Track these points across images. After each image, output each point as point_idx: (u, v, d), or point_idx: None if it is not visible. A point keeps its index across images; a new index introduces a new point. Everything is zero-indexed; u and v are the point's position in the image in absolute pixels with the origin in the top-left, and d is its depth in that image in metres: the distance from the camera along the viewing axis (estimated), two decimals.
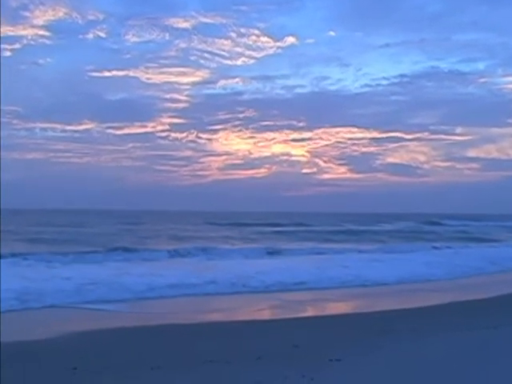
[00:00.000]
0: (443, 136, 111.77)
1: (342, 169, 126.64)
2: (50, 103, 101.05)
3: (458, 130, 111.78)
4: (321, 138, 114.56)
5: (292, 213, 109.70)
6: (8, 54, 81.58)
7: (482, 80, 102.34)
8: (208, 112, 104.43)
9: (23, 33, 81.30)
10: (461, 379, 6.64)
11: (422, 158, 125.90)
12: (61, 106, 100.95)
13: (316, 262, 22.75)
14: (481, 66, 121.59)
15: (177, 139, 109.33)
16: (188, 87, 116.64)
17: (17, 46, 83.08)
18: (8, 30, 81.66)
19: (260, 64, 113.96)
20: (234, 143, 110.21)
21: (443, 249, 32.40)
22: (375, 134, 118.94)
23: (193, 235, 41.51)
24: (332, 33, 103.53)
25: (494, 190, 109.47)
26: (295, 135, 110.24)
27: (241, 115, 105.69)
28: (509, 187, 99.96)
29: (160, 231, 45.88)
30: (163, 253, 25.82)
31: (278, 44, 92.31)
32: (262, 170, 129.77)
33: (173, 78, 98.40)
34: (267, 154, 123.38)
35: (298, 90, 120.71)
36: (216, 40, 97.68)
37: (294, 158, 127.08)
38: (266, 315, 12.84)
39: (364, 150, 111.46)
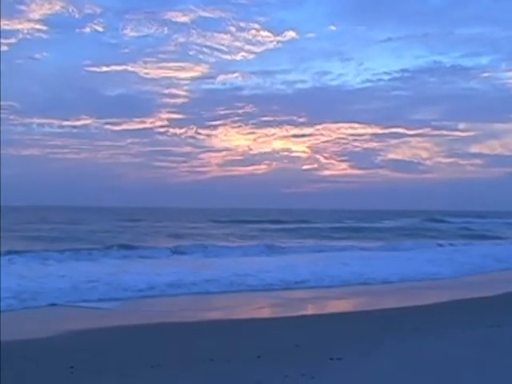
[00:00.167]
0: (446, 132, 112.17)
1: (343, 165, 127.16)
2: (46, 98, 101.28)
3: (461, 125, 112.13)
4: (322, 134, 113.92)
5: (292, 209, 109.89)
6: (4, 48, 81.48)
7: (486, 75, 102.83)
8: (207, 107, 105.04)
9: (19, 27, 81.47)
10: (463, 378, 6.59)
11: (424, 154, 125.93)
12: (58, 101, 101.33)
13: (317, 260, 22.68)
14: (484, 60, 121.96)
15: (176, 135, 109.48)
16: (187, 82, 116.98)
17: (13, 40, 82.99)
18: (4, 24, 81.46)
19: (260, 59, 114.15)
20: (233, 139, 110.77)
21: (447, 246, 32.25)
22: (377, 130, 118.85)
23: (192, 232, 41.48)
24: (333, 27, 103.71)
25: (498, 187, 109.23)
26: (296, 131, 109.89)
27: (240, 111, 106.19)
28: None
29: (159, 228, 45.80)
30: (162, 250, 25.66)
31: (278, 38, 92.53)
32: (262, 167, 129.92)
33: (171, 73, 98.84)
34: (267, 149, 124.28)
35: (299, 85, 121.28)
36: (215, 34, 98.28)
37: (294, 154, 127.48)
38: (266, 313, 12.74)
39: (365, 145, 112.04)
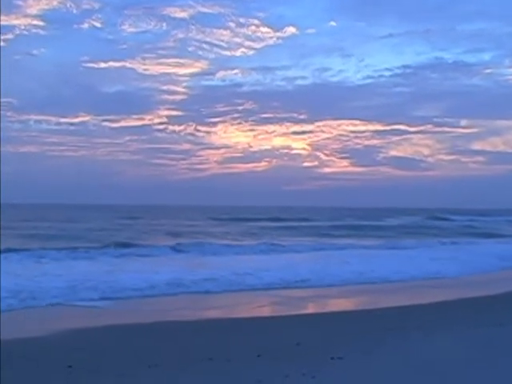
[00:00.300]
0: (448, 129, 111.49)
1: (344, 162, 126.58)
2: (44, 95, 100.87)
3: (463, 122, 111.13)
4: (322, 131, 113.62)
5: (293, 207, 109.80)
6: (1, 44, 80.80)
7: (488, 71, 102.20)
8: (206, 104, 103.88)
9: (16, 22, 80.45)
10: (466, 377, 6.56)
11: (426, 151, 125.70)
12: (55, 97, 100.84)
13: (318, 259, 22.66)
14: (487, 56, 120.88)
15: (174, 132, 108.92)
16: (186, 79, 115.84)
17: (10, 36, 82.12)
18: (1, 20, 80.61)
19: (260, 55, 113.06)
20: (233, 136, 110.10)
21: (449, 244, 32.19)
22: (378, 127, 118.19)
23: (191, 230, 41.37)
24: (333, 23, 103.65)
25: (501, 184, 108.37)
26: (296, 128, 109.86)
27: (240, 107, 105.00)
28: None
29: (157, 226, 45.66)
30: (161, 248, 25.59)
31: (278, 34, 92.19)
32: (262, 164, 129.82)
33: (170, 70, 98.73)
34: (267, 147, 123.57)
35: (299, 82, 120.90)
36: (214, 30, 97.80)
37: (294, 152, 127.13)
38: (266, 312, 12.65)
39: (366, 143, 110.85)
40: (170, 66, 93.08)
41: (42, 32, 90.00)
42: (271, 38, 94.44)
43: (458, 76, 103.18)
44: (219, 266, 18.87)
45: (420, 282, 17.12)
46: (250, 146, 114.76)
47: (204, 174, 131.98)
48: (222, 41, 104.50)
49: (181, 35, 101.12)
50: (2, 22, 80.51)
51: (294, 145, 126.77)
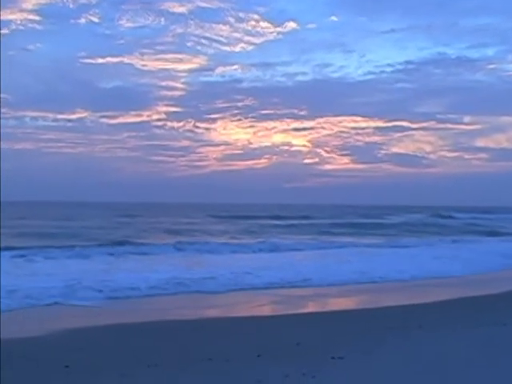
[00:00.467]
0: (450, 125, 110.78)
1: (345, 159, 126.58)
2: (40, 91, 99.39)
3: (466, 118, 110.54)
4: (323, 128, 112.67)
5: (293, 205, 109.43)
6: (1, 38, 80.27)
7: (492, 66, 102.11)
8: (206, 100, 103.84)
9: (12, 17, 79.30)
10: (467, 376, 6.56)
11: (428, 148, 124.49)
12: (52, 93, 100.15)
13: (318, 257, 22.53)
14: (490, 51, 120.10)
15: (173, 128, 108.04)
16: (185, 74, 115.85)
17: (5, 31, 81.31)
18: None
19: (259, 50, 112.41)
20: (232, 133, 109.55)
21: (452, 243, 32.09)
22: (379, 123, 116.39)
23: (190, 228, 41.23)
24: (334, 18, 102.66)
25: (504, 181, 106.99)
26: (296, 124, 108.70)
27: (240, 103, 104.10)
28: None
29: (156, 224, 45.48)
30: (160, 247, 25.54)
31: (278, 29, 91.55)
32: (262, 161, 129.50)
33: (169, 65, 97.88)
34: (267, 143, 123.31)
35: (300, 78, 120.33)
36: (213, 25, 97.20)
37: (295, 148, 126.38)
38: (266, 311, 12.61)
39: (368, 139, 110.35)
40: (168, 61, 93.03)
41: (38, 27, 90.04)
42: (271, 33, 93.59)
43: (461, 71, 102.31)
44: (218, 265, 18.85)
45: (422, 281, 17.02)
46: (250, 143, 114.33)
47: (203, 171, 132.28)
48: (222, 36, 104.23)
49: (179, 30, 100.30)
50: None
51: (294, 141, 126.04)
